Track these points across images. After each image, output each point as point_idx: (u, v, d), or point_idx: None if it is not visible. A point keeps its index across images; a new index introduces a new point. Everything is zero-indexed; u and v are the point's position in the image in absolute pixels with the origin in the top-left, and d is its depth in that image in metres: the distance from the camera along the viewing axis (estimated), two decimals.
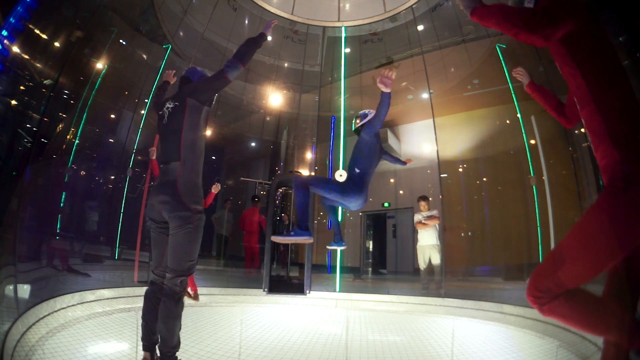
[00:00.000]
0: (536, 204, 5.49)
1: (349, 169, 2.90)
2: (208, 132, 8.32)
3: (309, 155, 8.38)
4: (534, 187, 5.50)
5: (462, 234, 7.93)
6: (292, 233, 2.61)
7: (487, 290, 5.88)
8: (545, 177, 5.52)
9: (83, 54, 4.97)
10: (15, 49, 3.68)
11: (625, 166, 1.14)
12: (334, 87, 7.65)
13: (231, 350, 2.72)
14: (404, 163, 3.63)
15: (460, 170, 8.07)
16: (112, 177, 6.50)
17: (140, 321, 2.09)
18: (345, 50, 6.94)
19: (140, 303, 2.16)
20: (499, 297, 4.78)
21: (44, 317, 2.85)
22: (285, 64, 8.27)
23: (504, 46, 5.91)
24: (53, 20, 4.26)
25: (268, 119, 9.20)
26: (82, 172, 5.83)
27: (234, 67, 2.17)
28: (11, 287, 2.89)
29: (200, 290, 4.47)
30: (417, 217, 5.59)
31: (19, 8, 3.55)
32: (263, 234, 6.47)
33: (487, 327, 3.77)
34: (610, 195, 1.17)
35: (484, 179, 8.02)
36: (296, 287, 5.31)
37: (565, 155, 5.62)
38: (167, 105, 2.19)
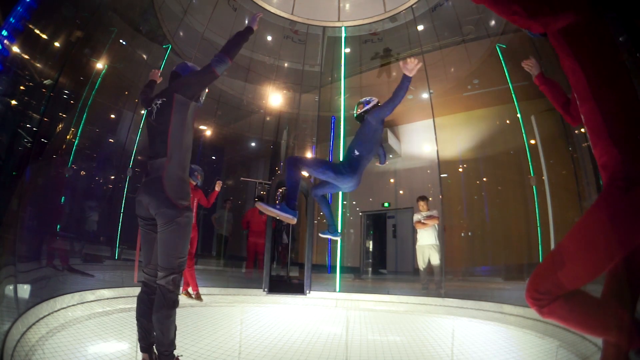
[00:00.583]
0: (536, 204, 5.49)
1: (349, 150, 2.88)
2: (208, 132, 8.39)
3: (309, 155, 8.38)
4: (534, 187, 5.50)
5: (462, 234, 7.93)
6: (278, 207, 2.53)
7: (487, 290, 5.87)
8: (545, 177, 5.52)
9: (83, 54, 4.97)
10: (15, 49, 3.68)
11: (626, 166, 1.12)
12: (334, 87, 7.66)
13: (231, 350, 2.72)
14: (383, 162, 3.50)
15: (460, 170, 8.07)
16: (112, 177, 6.50)
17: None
18: (345, 50, 6.95)
19: None
20: (499, 297, 4.78)
21: (44, 317, 2.85)
22: (285, 64, 8.27)
23: (504, 46, 5.91)
24: (53, 20, 4.25)
25: (268, 119, 9.20)
26: (82, 172, 5.83)
27: (221, 61, 2.13)
28: (11, 287, 2.89)
29: (200, 290, 4.47)
30: (417, 217, 5.60)
31: (19, 8, 3.55)
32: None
33: (487, 327, 3.77)
34: (611, 195, 1.16)
35: (484, 179, 8.02)
36: (296, 287, 5.31)
37: (565, 155, 5.62)
38: (156, 101, 2.16)
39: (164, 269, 1.96)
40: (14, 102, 3.83)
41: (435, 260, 5.38)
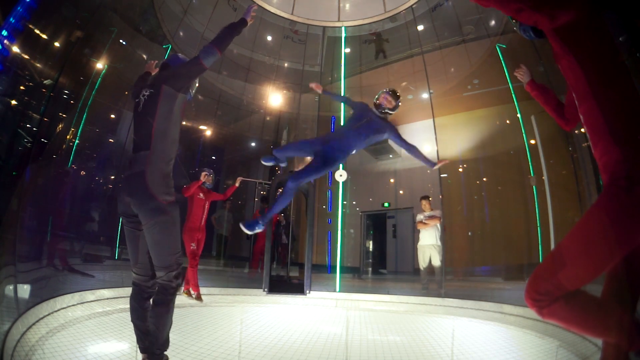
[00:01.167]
0: (536, 204, 5.49)
1: (344, 135, 3.01)
2: (208, 132, 8.38)
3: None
4: (534, 187, 5.50)
5: (462, 234, 7.93)
6: (260, 224, 2.73)
7: (487, 290, 5.87)
8: (545, 177, 5.52)
9: (83, 54, 4.96)
10: (15, 49, 3.68)
11: (627, 165, 1.11)
12: (334, 87, 7.65)
13: (231, 350, 2.72)
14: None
15: (461, 170, 8.06)
16: (112, 177, 6.50)
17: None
18: (345, 50, 6.95)
19: None
20: (499, 297, 4.78)
21: (44, 317, 2.85)
22: (285, 64, 8.27)
23: (504, 46, 5.91)
24: (53, 20, 4.25)
25: (268, 119, 9.20)
26: (82, 172, 5.83)
27: (210, 53, 2.05)
28: (11, 287, 2.89)
29: (200, 290, 4.47)
30: (419, 216, 5.58)
31: (19, 8, 3.55)
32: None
33: (487, 327, 3.78)
34: (612, 195, 1.14)
35: (484, 179, 8.02)
36: (296, 287, 5.31)
37: (565, 155, 5.62)
38: (144, 92, 2.07)
39: (164, 268, 1.92)
40: (14, 102, 3.83)
41: (436, 260, 5.36)
